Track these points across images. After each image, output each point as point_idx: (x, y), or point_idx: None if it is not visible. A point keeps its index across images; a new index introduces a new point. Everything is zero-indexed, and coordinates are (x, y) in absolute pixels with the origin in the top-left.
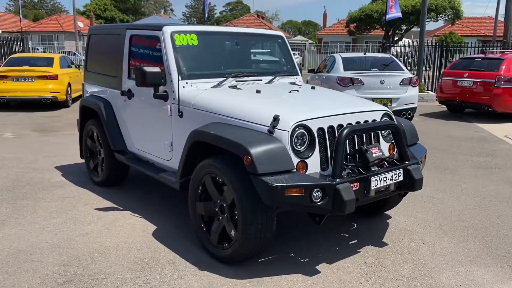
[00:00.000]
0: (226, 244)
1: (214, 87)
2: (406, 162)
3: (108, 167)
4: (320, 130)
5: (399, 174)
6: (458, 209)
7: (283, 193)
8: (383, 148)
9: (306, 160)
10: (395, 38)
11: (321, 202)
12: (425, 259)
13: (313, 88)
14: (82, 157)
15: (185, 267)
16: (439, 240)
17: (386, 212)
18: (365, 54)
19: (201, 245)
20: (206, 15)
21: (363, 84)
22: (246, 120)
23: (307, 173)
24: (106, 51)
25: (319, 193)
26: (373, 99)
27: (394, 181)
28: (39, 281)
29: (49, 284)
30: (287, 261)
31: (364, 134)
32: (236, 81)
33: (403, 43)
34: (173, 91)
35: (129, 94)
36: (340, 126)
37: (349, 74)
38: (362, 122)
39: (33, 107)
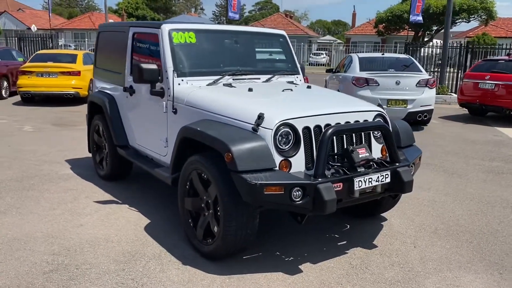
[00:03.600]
0: (210, 240)
1: (209, 84)
2: (397, 164)
3: (112, 162)
4: (306, 129)
5: (386, 176)
6: (458, 214)
7: (262, 191)
8: (375, 149)
9: (290, 159)
10: (425, 39)
11: (301, 201)
12: (413, 263)
13: (309, 87)
14: (89, 151)
15: (169, 261)
16: (432, 245)
17: (382, 214)
18: (383, 54)
19: (188, 240)
20: (230, 14)
21: (378, 85)
22: (233, 117)
23: (291, 172)
24: (112, 48)
25: (299, 192)
26: (388, 100)
27: (380, 183)
28: (27, 269)
29: (36, 272)
30: (271, 259)
31: (354, 135)
32: (233, 79)
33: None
34: (168, 88)
35: (130, 90)
36: (328, 125)
37: (364, 74)
38: (352, 122)
39: (56, 102)
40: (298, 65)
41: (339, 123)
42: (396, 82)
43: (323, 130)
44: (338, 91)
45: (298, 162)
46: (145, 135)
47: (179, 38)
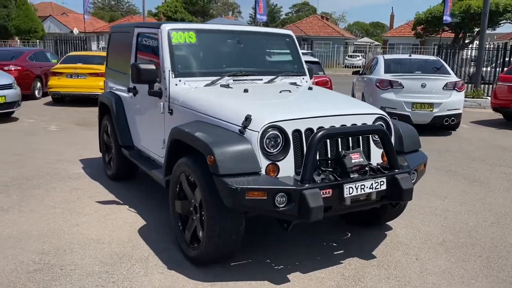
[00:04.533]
0: (196, 245)
1: (207, 85)
2: (396, 170)
3: (118, 162)
4: (297, 132)
5: (381, 183)
6: (471, 225)
7: (244, 196)
8: (375, 154)
9: (277, 163)
10: (466, 41)
11: (285, 208)
12: (411, 276)
13: (310, 89)
14: (100, 151)
15: (155, 264)
16: (436, 257)
17: (388, 223)
18: (410, 56)
19: (178, 243)
20: (258, 16)
21: (403, 87)
22: (222, 119)
23: (278, 176)
24: (120, 49)
25: (284, 198)
26: (413, 104)
27: (375, 190)
28: (12, 267)
29: (20, 271)
30: (260, 266)
31: (350, 139)
32: (234, 80)
33: (475, 46)
34: (166, 89)
35: (134, 91)
36: (320, 129)
37: (388, 76)
38: (348, 126)
39: (84, 103)
40: (305, 66)
41: (333, 126)
42: (421, 85)
43: None
44: (363, 93)
45: (287, 167)
46: (147, 136)
47: (178, 38)
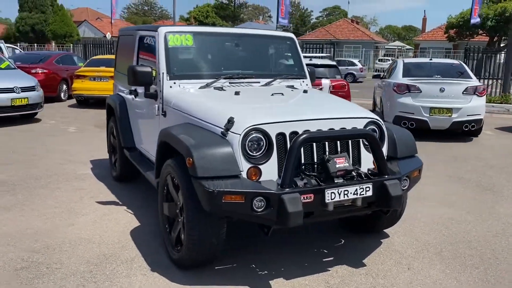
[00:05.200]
0: (180, 247)
1: (202, 87)
2: (386, 176)
3: (121, 163)
4: (281, 135)
5: (367, 189)
6: (473, 235)
7: (220, 199)
8: (366, 160)
9: (260, 166)
10: (501, 45)
11: (264, 212)
12: (399, 286)
13: (305, 92)
14: (108, 152)
15: (139, 266)
16: (429, 267)
17: (386, 231)
18: (430, 59)
19: (165, 246)
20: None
21: (420, 92)
22: (208, 121)
23: (261, 180)
24: (125, 52)
25: (262, 202)
26: (431, 108)
27: (360, 196)
28: (1, 264)
29: (8, 268)
30: (244, 271)
31: (338, 143)
32: (230, 83)
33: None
34: (160, 91)
35: (135, 93)
36: (307, 132)
37: (406, 80)
38: (337, 129)
39: None
40: (306, 69)
41: (320, 130)
42: (440, 89)
43: None
44: (381, 98)
45: (270, 170)
46: (145, 137)
47: (174, 41)
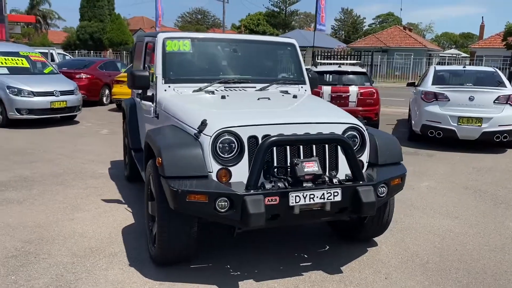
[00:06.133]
0: (156, 245)
1: (194, 91)
2: (361, 182)
3: (130, 163)
4: (253, 138)
5: (335, 194)
6: (468, 248)
7: (184, 198)
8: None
9: (230, 168)
10: None
11: (227, 213)
12: None
13: (295, 97)
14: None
15: (120, 261)
16: (409, 278)
17: (376, 239)
18: (464, 67)
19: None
20: (318, 26)
21: (448, 100)
22: (186, 123)
23: (231, 181)
24: (137, 57)
25: (226, 202)
26: (459, 118)
27: (327, 201)
28: None
29: (0, 256)
30: (217, 271)
31: (314, 147)
32: (225, 87)
33: None
34: (155, 94)
35: (140, 96)
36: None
37: (434, 88)
38: (313, 134)
39: None
40: (306, 75)
41: (295, 134)
42: (469, 98)
43: None
44: (409, 106)
45: (241, 173)
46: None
47: (172, 46)
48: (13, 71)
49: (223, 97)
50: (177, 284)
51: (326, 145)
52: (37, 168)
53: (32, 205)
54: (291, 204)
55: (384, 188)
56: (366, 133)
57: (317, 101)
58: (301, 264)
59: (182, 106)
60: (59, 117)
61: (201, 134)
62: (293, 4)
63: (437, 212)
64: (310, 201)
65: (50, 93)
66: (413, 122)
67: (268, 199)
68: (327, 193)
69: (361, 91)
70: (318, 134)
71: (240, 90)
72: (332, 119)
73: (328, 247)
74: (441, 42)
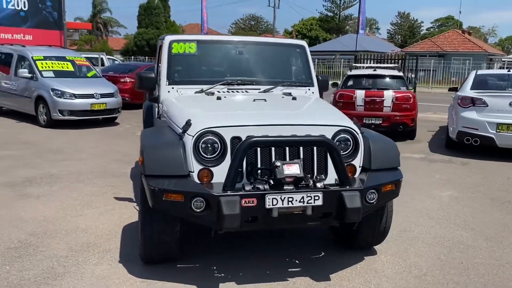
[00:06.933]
0: (140, 243)
1: (196, 93)
2: (347, 187)
3: None
4: (237, 139)
5: (316, 198)
6: (475, 262)
7: (161, 197)
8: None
9: (212, 169)
10: None
11: (203, 213)
12: None
13: (294, 99)
14: None
15: (111, 257)
16: None
17: (376, 248)
18: (509, 71)
19: None
20: (360, 30)
21: (487, 106)
22: (175, 123)
23: (213, 181)
24: (157, 59)
25: (201, 203)
26: (498, 124)
27: (307, 204)
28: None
29: (2, 246)
30: (201, 272)
31: (302, 150)
32: (228, 89)
33: None
34: (159, 95)
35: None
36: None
37: (471, 93)
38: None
39: None
40: (314, 77)
41: (281, 136)
42: (510, 103)
43: None
44: (449, 112)
45: (223, 173)
46: None
47: (178, 49)
48: (59, 74)
49: (218, 98)
50: (158, 282)
51: (315, 148)
52: (66, 166)
53: (48, 200)
54: (267, 206)
55: (374, 194)
56: (359, 137)
57: (318, 104)
58: (289, 270)
59: (176, 107)
60: (100, 119)
61: (185, 134)
62: (347, 8)
63: (453, 222)
64: (288, 204)
65: (91, 96)
66: (450, 128)
67: (245, 201)
68: (307, 197)
69: (397, 95)
70: (307, 136)
71: (242, 92)
72: (323, 121)
73: (323, 253)
74: (505, 46)
